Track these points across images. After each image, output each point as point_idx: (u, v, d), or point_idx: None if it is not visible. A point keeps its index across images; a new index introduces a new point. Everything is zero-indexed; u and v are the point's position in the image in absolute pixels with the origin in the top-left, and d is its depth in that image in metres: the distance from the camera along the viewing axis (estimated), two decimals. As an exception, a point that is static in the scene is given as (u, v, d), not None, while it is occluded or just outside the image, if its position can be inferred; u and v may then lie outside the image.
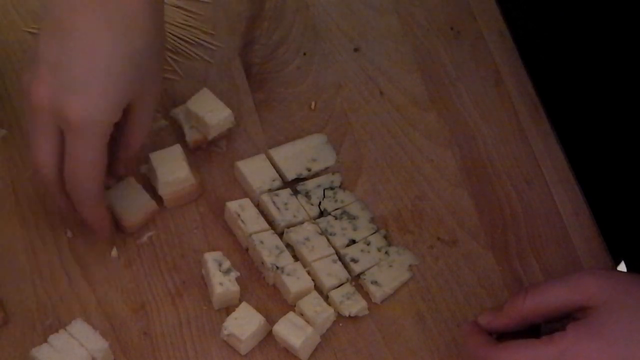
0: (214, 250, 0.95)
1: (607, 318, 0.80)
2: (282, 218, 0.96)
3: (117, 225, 0.96)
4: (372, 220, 0.98)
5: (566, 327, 0.81)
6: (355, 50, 1.09)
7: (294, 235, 0.95)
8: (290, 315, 0.90)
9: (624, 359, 0.80)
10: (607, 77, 1.04)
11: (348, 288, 0.94)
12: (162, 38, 0.90)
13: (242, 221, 0.95)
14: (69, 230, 0.96)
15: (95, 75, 0.85)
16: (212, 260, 0.93)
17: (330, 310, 0.92)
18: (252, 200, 0.97)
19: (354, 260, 0.95)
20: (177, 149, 0.98)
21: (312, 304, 0.91)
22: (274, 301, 0.94)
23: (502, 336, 0.86)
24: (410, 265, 0.96)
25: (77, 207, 0.90)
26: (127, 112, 0.89)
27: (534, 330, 0.86)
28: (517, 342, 0.83)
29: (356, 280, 0.95)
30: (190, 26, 1.08)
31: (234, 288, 0.92)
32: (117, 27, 0.85)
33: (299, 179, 1.00)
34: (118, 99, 0.86)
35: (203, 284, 0.94)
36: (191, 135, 1.00)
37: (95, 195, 0.89)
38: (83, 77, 0.84)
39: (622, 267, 1.10)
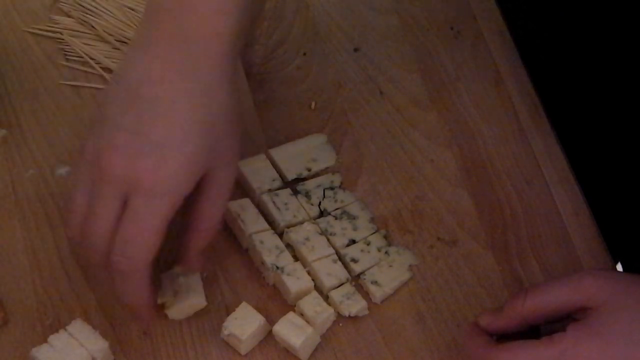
0: (213, 250, 0.95)
1: (607, 318, 0.80)
2: (282, 218, 0.96)
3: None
4: (372, 220, 0.98)
5: (566, 327, 0.81)
6: (355, 50, 1.09)
7: (294, 235, 0.95)
8: (290, 315, 0.90)
9: (624, 359, 0.80)
10: (607, 77, 1.04)
11: (348, 288, 0.94)
12: (239, 113, 0.87)
13: (242, 221, 0.95)
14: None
15: (173, 142, 0.82)
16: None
17: (330, 310, 0.92)
18: (252, 200, 0.97)
19: (354, 260, 0.95)
20: (177, 149, 0.98)
21: (312, 304, 0.91)
22: (274, 301, 0.94)
23: (502, 337, 0.86)
24: (410, 265, 0.96)
25: (118, 282, 0.85)
26: (199, 188, 0.85)
27: (534, 331, 0.86)
28: (517, 343, 0.83)
29: (356, 280, 0.95)
30: (190, 26, 1.08)
31: None
32: (196, 98, 0.83)
33: (299, 179, 1.00)
34: (194, 169, 0.83)
35: (203, 284, 0.94)
36: (191, 135, 1.00)
37: (142, 270, 0.83)
38: (161, 143, 0.81)
39: (618, 267, 1.10)
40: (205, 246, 0.89)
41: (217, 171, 0.85)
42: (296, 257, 0.95)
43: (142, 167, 0.81)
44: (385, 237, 0.97)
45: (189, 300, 0.91)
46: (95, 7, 1.08)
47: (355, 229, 0.97)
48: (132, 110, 0.82)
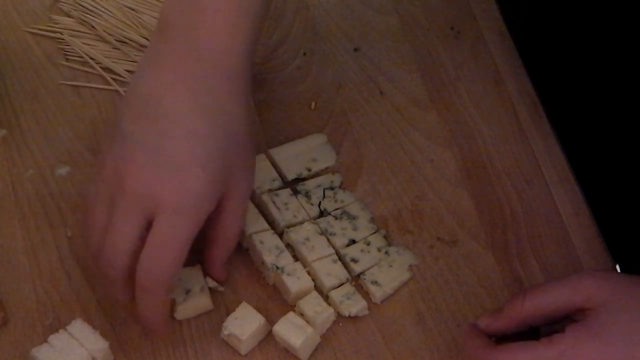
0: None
1: (606, 319, 0.80)
2: (282, 218, 0.96)
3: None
4: (372, 220, 0.98)
5: (565, 328, 0.81)
6: (355, 50, 1.09)
7: (294, 235, 0.95)
8: (290, 315, 0.90)
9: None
10: (607, 77, 1.04)
11: (348, 288, 0.94)
12: (253, 123, 0.87)
13: (242, 221, 0.95)
14: (69, 230, 0.96)
15: (196, 161, 0.82)
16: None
17: (330, 310, 0.92)
18: (252, 200, 0.97)
19: (354, 260, 0.95)
20: (177, 149, 0.98)
21: (312, 304, 0.91)
22: (274, 301, 0.94)
23: (502, 338, 0.86)
24: (410, 265, 0.96)
25: (140, 299, 0.85)
26: (220, 203, 0.85)
27: (534, 332, 0.86)
28: (517, 344, 0.83)
29: (356, 280, 0.95)
30: (190, 26, 1.08)
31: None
32: (214, 115, 0.83)
33: (299, 179, 1.00)
34: (217, 187, 0.83)
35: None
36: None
37: (164, 286, 0.84)
38: (183, 161, 0.82)
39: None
40: (228, 257, 0.90)
41: (236, 185, 0.86)
42: (296, 257, 0.95)
43: (167, 186, 0.82)
44: (385, 237, 0.97)
45: (198, 301, 0.91)
46: (95, 7, 1.08)
47: (355, 229, 0.97)
48: (151, 127, 0.83)
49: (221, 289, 0.93)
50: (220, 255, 0.90)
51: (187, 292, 0.91)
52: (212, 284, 0.92)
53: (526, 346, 0.82)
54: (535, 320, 0.85)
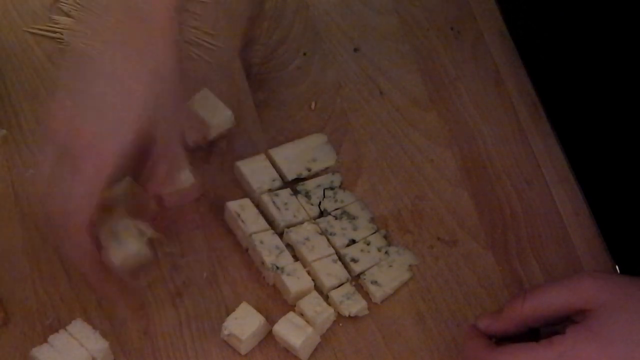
0: (213, 250, 0.95)
1: (605, 320, 0.80)
2: (282, 218, 0.96)
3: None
4: (372, 220, 0.98)
5: (565, 330, 0.81)
6: (355, 50, 1.09)
7: (294, 235, 0.95)
8: (290, 315, 0.90)
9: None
10: (607, 77, 1.04)
11: (348, 288, 0.94)
12: (181, 73, 0.88)
13: (242, 221, 0.95)
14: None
15: (115, 99, 0.83)
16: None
17: (330, 310, 0.92)
18: (252, 200, 0.97)
19: (354, 260, 0.95)
20: (177, 149, 0.98)
21: (312, 304, 0.91)
22: (274, 301, 0.94)
23: (502, 340, 0.86)
24: (410, 265, 0.96)
25: (60, 238, 0.86)
26: (148, 147, 0.86)
27: (533, 333, 0.86)
28: (516, 346, 0.83)
29: (356, 280, 0.95)
30: (190, 26, 1.08)
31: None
32: (141, 58, 0.84)
33: (299, 179, 1.00)
34: (135, 125, 0.84)
35: (203, 284, 0.94)
36: (191, 135, 1.00)
37: (83, 224, 0.85)
38: (102, 100, 0.83)
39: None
40: (158, 199, 0.91)
41: (164, 129, 0.86)
42: (296, 257, 0.95)
43: (84, 125, 0.83)
44: (385, 237, 0.97)
45: (133, 247, 0.90)
46: (95, 7, 1.08)
47: (355, 229, 0.97)
48: (76, 71, 0.85)
49: (156, 236, 0.92)
50: (150, 190, 0.90)
51: (120, 241, 0.90)
52: (148, 231, 0.91)
53: (526, 347, 0.82)
54: (535, 321, 0.85)
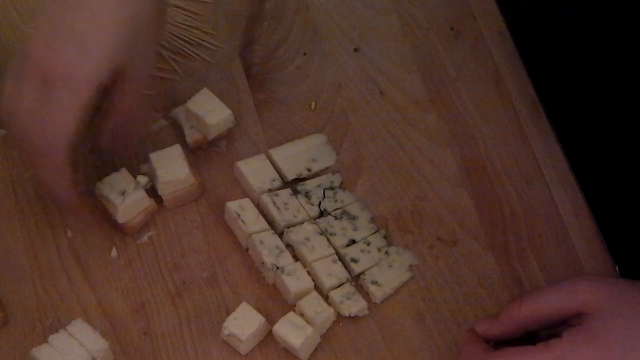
0: (213, 250, 0.95)
1: (602, 323, 0.80)
2: (282, 218, 0.96)
3: (116, 225, 0.96)
4: (372, 220, 0.98)
5: (562, 333, 0.81)
6: (355, 50, 1.09)
7: (294, 235, 0.95)
8: (290, 315, 0.90)
9: None
10: (607, 77, 1.04)
11: (348, 288, 0.94)
12: (164, 11, 0.90)
13: (242, 221, 0.95)
14: (69, 230, 0.96)
15: (94, 31, 0.85)
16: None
17: (330, 310, 0.92)
18: (252, 200, 0.97)
19: (354, 260, 0.95)
20: (177, 149, 0.98)
21: (312, 304, 0.91)
22: (274, 301, 0.94)
23: (499, 344, 0.86)
24: (410, 265, 0.96)
25: (38, 167, 0.88)
26: (118, 82, 0.88)
27: (532, 337, 0.86)
28: (513, 349, 0.83)
29: (356, 280, 0.95)
30: (190, 26, 1.08)
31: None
32: None
33: (299, 179, 1.00)
34: (113, 58, 0.86)
35: (203, 284, 0.94)
36: (191, 135, 1.00)
37: (61, 153, 0.86)
38: (82, 32, 0.85)
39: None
40: (116, 130, 0.93)
41: (136, 65, 0.88)
42: (296, 257, 0.95)
43: (62, 53, 0.84)
44: (385, 237, 0.97)
45: (136, 197, 0.95)
46: (95, 7, 1.08)
47: (355, 229, 0.97)
48: (59, 2, 0.86)
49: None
50: (107, 125, 0.92)
51: (123, 193, 0.94)
52: (143, 181, 0.96)
53: (523, 351, 0.82)
54: (532, 325, 0.85)
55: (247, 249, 0.96)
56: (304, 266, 0.94)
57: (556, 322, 0.84)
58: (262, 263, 0.94)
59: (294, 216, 0.97)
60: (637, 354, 0.80)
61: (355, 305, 0.92)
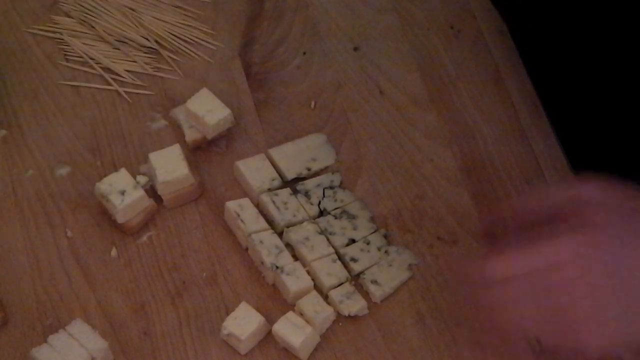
0: (213, 250, 0.95)
1: (605, 224, 0.78)
2: (281, 217, 0.96)
3: (116, 225, 0.96)
4: (372, 219, 0.98)
5: (562, 233, 0.77)
6: (355, 50, 1.09)
7: (294, 235, 0.95)
8: (290, 315, 0.90)
9: (621, 264, 0.77)
10: (606, 77, 1.04)
11: (348, 287, 0.94)
12: None
13: (242, 221, 0.95)
14: (69, 230, 0.96)
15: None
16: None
17: (330, 310, 0.92)
18: (251, 199, 0.97)
19: (354, 260, 0.95)
20: (176, 149, 0.98)
21: (311, 303, 0.91)
22: (273, 301, 0.94)
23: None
24: (410, 265, 0.96)
25: None
26: None
27: None
28: (513, 249, 0.78)
29: (356, 279, 0.95)
30: (190, 26, 1.08)
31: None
32: None
33: (299, 179, 1.00)
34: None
35: (202, 284, 0.94)
36: (191, 135, 1.00)
37: None
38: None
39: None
40: None
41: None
42: (296, 257, 0.95)
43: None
44: (385, 236, 0.97)
45: (135, 197, 0.95)
46: (95, 7, 1.08)
47: (354, 228, 0.97)
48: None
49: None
50: None
51: (123, 193, 0.94)
52: (143, 181, 0.96)
53: (523, 251, 0.77)
54: (534, 216, 0.81)
55: (246, 249, 0.96)
56: (304, 266, 0.94)
57: (555, 216, 0.80)
58: (262, 263, 0.94)
59: (294, 216, 0.97)
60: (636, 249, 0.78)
61: (354, 305, 0.92)
